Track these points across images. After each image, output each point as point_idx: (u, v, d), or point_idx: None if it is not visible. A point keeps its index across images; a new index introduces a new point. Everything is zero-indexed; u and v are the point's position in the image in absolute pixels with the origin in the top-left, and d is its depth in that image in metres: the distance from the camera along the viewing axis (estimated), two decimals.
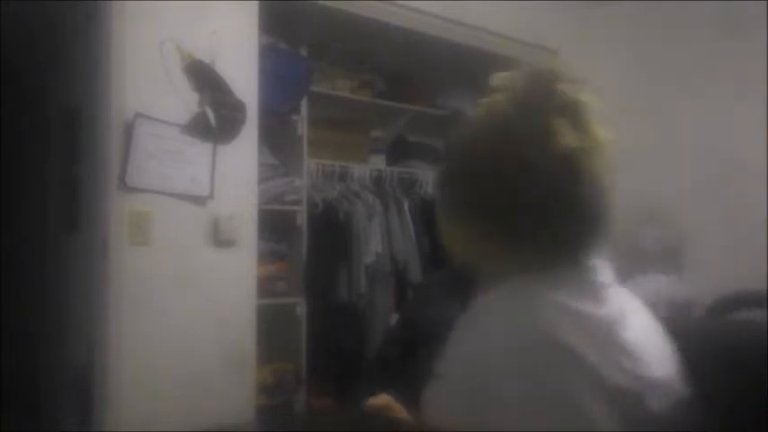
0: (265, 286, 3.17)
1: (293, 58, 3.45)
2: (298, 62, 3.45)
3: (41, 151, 3.62)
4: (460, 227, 0.99)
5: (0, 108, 3.78)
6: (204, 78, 2.75)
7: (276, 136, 3.35)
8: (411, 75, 4.12)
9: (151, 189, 2.60)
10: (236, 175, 2.85)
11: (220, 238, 2.78)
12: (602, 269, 0.95)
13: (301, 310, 3.38)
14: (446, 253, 1.02)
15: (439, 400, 0.92)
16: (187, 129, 2.69)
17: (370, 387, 1.05)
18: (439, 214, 1.02)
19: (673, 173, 3.84)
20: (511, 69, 0.99)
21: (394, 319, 3.40)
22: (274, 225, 3.35)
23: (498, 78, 0.99)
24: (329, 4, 3.20)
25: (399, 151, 4.09)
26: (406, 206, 3.69)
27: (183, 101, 2.69)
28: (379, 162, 3.97)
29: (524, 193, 0.91)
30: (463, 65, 3.73)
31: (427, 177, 3.89)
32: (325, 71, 3.69)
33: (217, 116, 2.78)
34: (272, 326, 3.12)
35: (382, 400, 1.06)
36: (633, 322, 0.92)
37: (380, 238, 3.52)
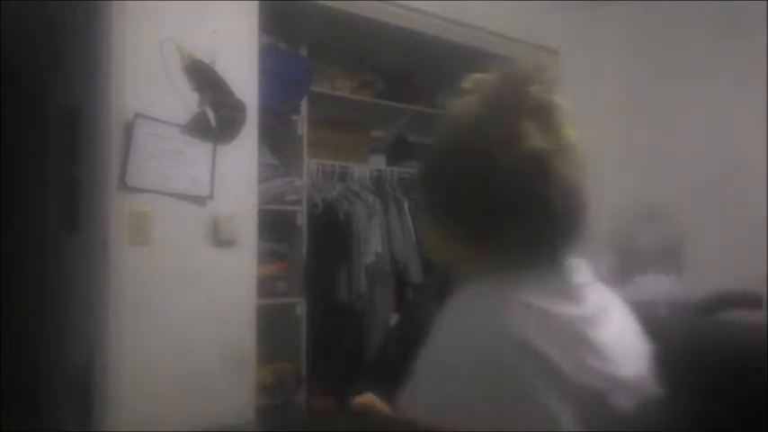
0: (265, 286, 3.18)
1: (293, 58, 3.46)
2: (298, 62, 3.45)
3: (41, 151, 3.62)
4: (434, 226, 1.00)
5: (0, 108, 3.78)
6: (204, 78, 2.75)
7: (276, 136, 3.36)
8: (411, 75, 4.12)
9: (151, 189, 2.60)
10: (236, 175, 2.85)
11: (220, 238, 2.78)
12: (579, 269, 0.96)
13: (301, 310, 3.38)
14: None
15: (413, 399, 0.93)
16: (187, 129, 2.69)
17: (370, 387, 1.06)
18: (419, 214, 1.03)
19: (673, 173, 3.84)
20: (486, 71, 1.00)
21: (394, 319, 3.41)
22: (274, 225, 3.35)
23: (471, 80, 1.00)
24: (329, 4, 3.20)
25: (399, 151, 4.09)
26: (406, 206, 3.68)
27: (183, 101, 2.69)
28: (379, 162, 3.98)
29: (494, 193, 0.92)
30: (463, 65, 3.72)
31: None
32: (326, 71, 3.69)
33: (217, 116, 2.78)
34: (272, 326, 3.12)
35: (368, 398, 1.07)
36: (608, 321, 0.92)
37: (380, 239, 3.52)
